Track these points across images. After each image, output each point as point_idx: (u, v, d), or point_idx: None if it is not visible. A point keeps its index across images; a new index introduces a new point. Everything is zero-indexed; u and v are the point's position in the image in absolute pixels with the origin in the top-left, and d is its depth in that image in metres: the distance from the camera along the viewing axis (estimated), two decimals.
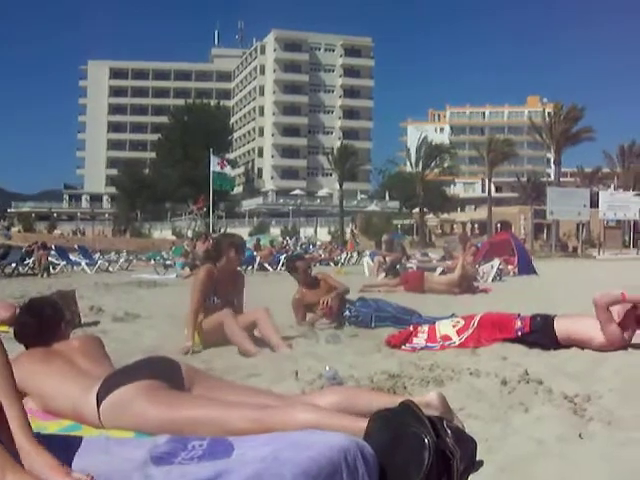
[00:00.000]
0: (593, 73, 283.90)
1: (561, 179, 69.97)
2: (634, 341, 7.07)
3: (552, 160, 75.01)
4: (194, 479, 2.29)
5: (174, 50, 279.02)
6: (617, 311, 7.03)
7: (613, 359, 6.57)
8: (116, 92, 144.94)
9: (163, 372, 3.47)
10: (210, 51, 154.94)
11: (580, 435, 4.13)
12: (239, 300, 8.00)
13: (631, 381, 5.66)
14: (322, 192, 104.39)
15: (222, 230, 61.72)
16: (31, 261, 25.94)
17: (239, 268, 9.09)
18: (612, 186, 78.52)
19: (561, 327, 7.18)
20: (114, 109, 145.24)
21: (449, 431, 2.57)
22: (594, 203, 55.28)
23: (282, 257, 29.03)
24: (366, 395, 3.75)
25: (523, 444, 3.97)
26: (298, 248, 39.02)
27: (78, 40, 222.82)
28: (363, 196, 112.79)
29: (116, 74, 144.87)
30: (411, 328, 7.84)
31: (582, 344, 7.04)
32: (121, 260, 29.39)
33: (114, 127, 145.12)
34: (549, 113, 68.68)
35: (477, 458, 3.14)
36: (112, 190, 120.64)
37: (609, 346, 6.88)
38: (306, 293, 9.61)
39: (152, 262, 29.57)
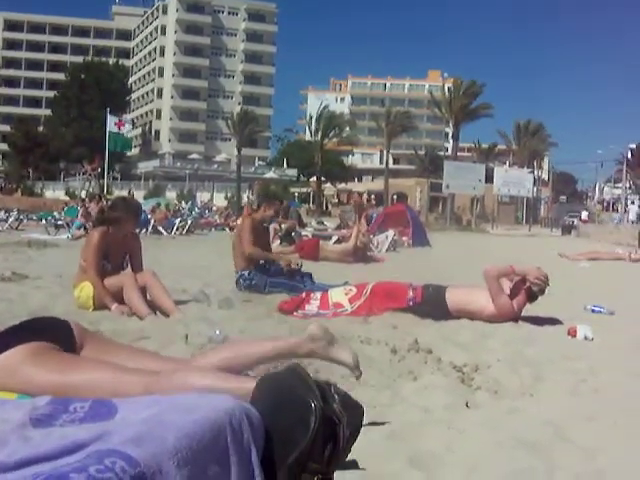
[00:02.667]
0: (493, 51, 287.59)
1: (458, 154, 71.02)
2: (523, 314, 7.23)
3: (450, 134, 76.20)
4: (74, 441, 2.20)
5: (73, 4, 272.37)
6: (507, 284, 7.17)
7: (502, 330, 6.71)
8: (10, 45, 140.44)
9: (52, 332, 3.36)
10: (111, 8, 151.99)
11: (467, 404, 4.20)
12: (138, 261, 7.88)
13: (518, 352, 5.78)
14: (220, 157, 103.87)
15: (117, 192, 60.94)
16: None
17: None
18: (507, 162, 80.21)
19: (452, 298, 7.28)
20: (8, 63, 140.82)
21: (336, 396, 2.55)
22: (489, 179, 56.26)
23: (177, 221, 28.75)
24: (253, 345, 3.74)
25: (411, 412, 4.01)
26: (193, 212, 38.58)
27: None
28: (261, 163, 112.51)
29: (11, 26, 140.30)
30: (304, 295, 7.84)
31: (473, 315, 7.16)
32: (11, 219, 28.53)
33: (7, 82, 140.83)
34: (449, 88, 69.51)
35: (365, 425, 3.14)
36: (4, 147, 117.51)
37: (499, 317, 7.01)
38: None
39: (43, 222, 28.85)
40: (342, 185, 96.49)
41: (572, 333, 6.58)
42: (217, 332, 5.49)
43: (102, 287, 7.31)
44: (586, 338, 6.50)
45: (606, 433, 3.76)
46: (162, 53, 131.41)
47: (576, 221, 55.19)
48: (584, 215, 54.32)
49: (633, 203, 68.32)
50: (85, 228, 23.49)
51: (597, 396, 4.57)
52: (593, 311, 8.39)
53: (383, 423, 3.76)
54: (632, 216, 53.07)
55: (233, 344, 4.45)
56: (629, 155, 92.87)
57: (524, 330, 6.85)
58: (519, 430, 3.69)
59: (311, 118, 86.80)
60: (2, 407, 2.57)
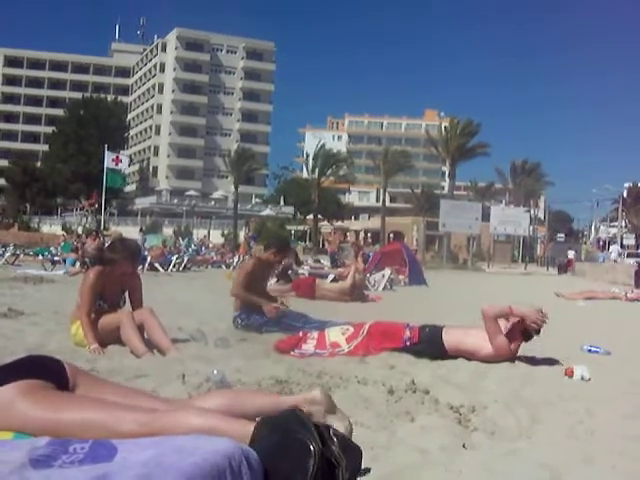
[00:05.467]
0: (490, 89, 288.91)
1: (454, 192, 71.12)
2: (519, 354, 7.22)
3: (447, 173, 76.34)
4: None
5: (73, 42, 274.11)
6: (504, 324, 7.16)
7: (499, 371, 6.69)
8: (10, 81, 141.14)
9: (46, 371, 3.35)
10: (110, 45, 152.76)
11: (464, 445, 4.18)
12: (137, 299, 7.89)
13: (515, 393, 5.77)
14: (217, 194, 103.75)
15: (114, 228, 60.82)
16: None
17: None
18: (503, 201, 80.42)
19: (449, 338, 7.27)
20: (7, 98, 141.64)
21: (335, 439, 2.56)
22: (485, 217, 56.29)
23: (174, 258, 28.69)
24: (252, 396, 3.72)
25: (408, 453, 3.99)
26: (190, 249, 38.54)
27: None
28: (258, 200, 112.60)
29: (11, 62, 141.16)
30: (300, 334, 7.83)
31: (469, 354, 7.14)
32: (7, 254, 28.48)
33: (6, 117, 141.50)
34: (445, 127, 69.72)
35: (363, 466, 3.14)
36: (1, 182, 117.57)
37: (496, 357, 6.99)
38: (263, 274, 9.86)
39: (40, 257, 28.77)
40: (339, 223, 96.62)
41: (569, 373, 6.58)
42: (214, 372, 5.47)
43: (88, 325, 7.30)
44: (583, 379, 6.49)
45: (603, 477, 3.75)
46: (161, 90, 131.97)
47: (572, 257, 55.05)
48: (570, 255, 54.07)
49: (615, 243, 68.29)
50: (81, 264, 23.48)
51: (594, 438, 4.54)
52: (589, 351, 8.38)
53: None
54: (614, 255, 52.98)
55: (233, 391, 4.44)
56: (624, 194, 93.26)
57: (521, 370, 6.83)
58: (515, 473, 3.68)
59: (308, 156, 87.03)
60: (1, 448, 2.56)
